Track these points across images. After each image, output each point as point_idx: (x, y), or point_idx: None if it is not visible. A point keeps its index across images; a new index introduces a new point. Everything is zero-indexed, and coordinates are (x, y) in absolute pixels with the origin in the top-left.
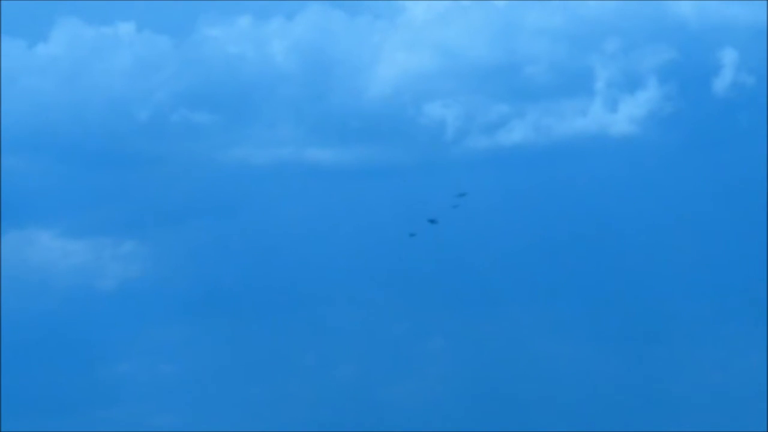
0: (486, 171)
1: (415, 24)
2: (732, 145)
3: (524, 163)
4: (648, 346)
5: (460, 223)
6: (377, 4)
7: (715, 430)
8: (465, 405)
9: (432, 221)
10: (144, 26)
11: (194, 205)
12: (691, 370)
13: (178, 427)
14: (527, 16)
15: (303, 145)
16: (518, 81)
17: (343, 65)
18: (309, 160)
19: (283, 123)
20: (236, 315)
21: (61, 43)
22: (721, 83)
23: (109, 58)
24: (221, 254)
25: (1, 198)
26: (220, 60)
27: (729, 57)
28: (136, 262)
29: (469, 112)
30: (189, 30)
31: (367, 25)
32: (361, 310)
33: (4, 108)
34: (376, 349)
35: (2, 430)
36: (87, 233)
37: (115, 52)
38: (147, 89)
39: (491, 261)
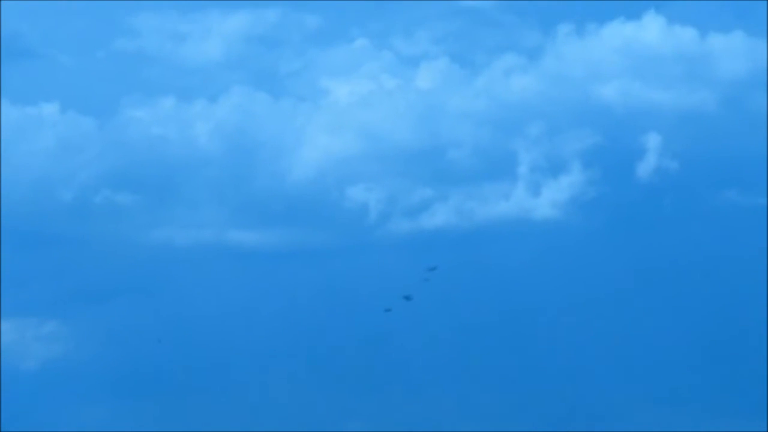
0: (408, 254)
1: (338, 107)
2: (655, 229)
3: (446, 246)
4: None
5: (383, 303)
6: (301, 86)
7: None
8: None
9: (407, 297)
10: (68, 107)
11: (116, 286)
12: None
13: None
14: (450, 99)
15: (225, 227)
16: (441, 165)
17: (266, 147)
18: (231, 242)
19: (206, 205)
20: (159, 394)
21: None
22: (645, 168)
23: (32, 139)
24: (143, 334)
25: None
26: (143, 141)
27: (653, 142)
28: (59, 342)
29: (392, 195)
30: (113, 111)
31: (290, 107)
32: (281, 391)
33: None
34: (297, 427)
35: None
36: (10, 314)
37: (38, 132)
38: (70, 170)
39: (411, 345)
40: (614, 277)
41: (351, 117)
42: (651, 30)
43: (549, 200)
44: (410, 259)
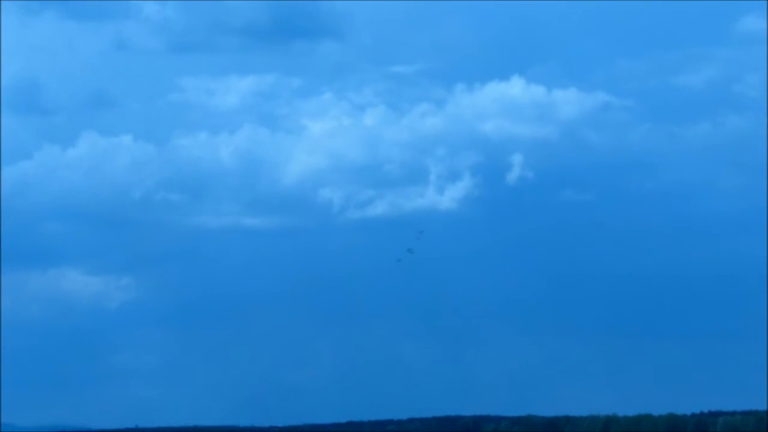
0: (359, 234)
1: (313, 137)
2: (518, 216)
3: (384, 229)
4: (461, 349)
5: (343, 266)
6: (289, 124)
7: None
8: (341, 383)
9: (409, 251)
10: (138, 137)
11: (168, 254)
12: (490, 358)
13: (154, 397)
14: (385, 133)
15: (240, 216)
16: (380, 175)
17: (266, 164)
18: (244, 226)
19: (227, 201)
20: (197, 326)
21: (84, 148)
22: (512, 176)
23: (115, 158)
24: (188, 286)
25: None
26: (186, 160)
27: (517, 159)
28: (131, 291)
29: (348, 194)
30: (167, 140)
31: (282, 137)
32: (279, 323)
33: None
34: (284, 346)
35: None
36: (99, 272)
37: (119, 154)
38: (139, 178)
39: (362, 289)
40: (491, 245)
41: (322, 144)
42: (515, 87)
43: (449, 197)
44: (361, 236)
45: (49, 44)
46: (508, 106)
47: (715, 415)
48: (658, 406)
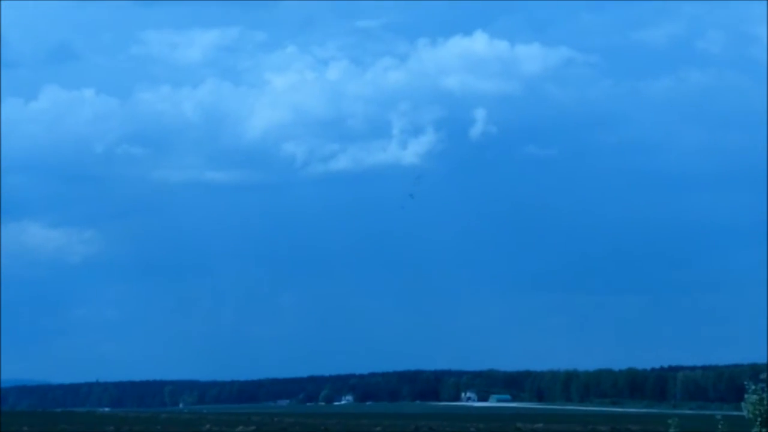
0: (321, 188)
1: (276, 92)
2: (481, 172)
3: (346, 182)
4: (423, 304)
5: (306, 220)
6: (252, 77)
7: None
8: (303, 338)
9: (411, 196)
10: (100, 91)
11: (131, 207)
12: (452, 314)
13: (116, 351)
14: (349, 86)
15: (203, 170)
16: (343, 129)
17: (229, 118)
18: (207, 180)
19: (190, 155)
20: (159, 277)
21: (46, 101)
22: (475, 131)
23: (77, 112)
24: (150, 240)
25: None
26: (149, 114)
27: (480, 114)
28: (93, 244)
29: (311, 149)
30: (129, 94)
31: (245, 92)
32: (240, 273)
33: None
34: (246, 301)
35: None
36: (62, 225)
37: (81, 107)
38: (102, 131)
39: (325, 245)
40: (454, 200)
41: (285, 98)
42: (479, 42)
43: (413, 152)
44: (323, 189)
45: None
46: (471, 61)
47: (674, 370)
48: (619, 362)
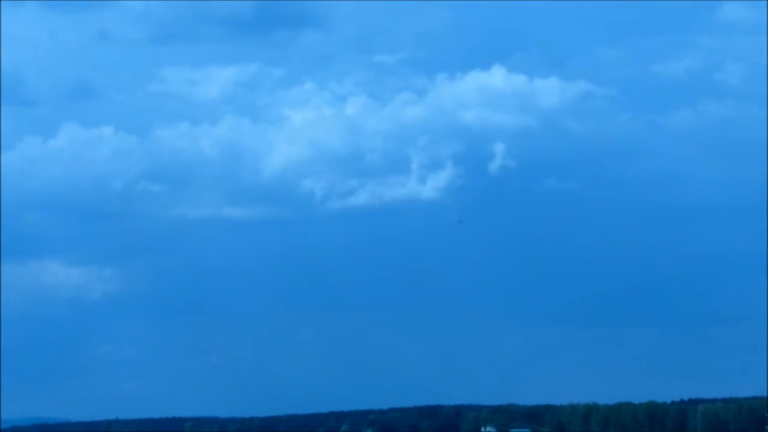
0: (341, 223)
1: (295, 128)
2: (501, 207)
3: (365, 218)
4: (443, 338)
5: (325, 256)
6: (270, 115)
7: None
8: (323, 374)
9: (460, 221)
10: (119, 129)
11: (150, 244)
12: (472, 348)
13: (135, 389)
14: (367, 123)
15: (222, 206)
16: (361, 164)
17: (248, 154)
18: (226, 216)
19: (209, 191)
20: (179, 314)
21: (65, 139)
22: (494, 166)
23: (96, 149)
24: (170, 277)
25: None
26: (167, 151)
27: (499, 149)
28: (113, 282)
29: (330, 184)
30: (148, 131)
31: (264, 128)
32: (260, 311)
33: (29, 180)
34: (266, 337)
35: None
36: (80, 263)
37: (100, 145)
38: (121, 169)
39: (344, 280)
40: (473, 234)
41: (303, 134)
42: (497, 77)
43: (432, 187)
44: (342, 225)
45: (31, 35)
46: (489, 96)
47: (695, 402)
48: (638, 395)
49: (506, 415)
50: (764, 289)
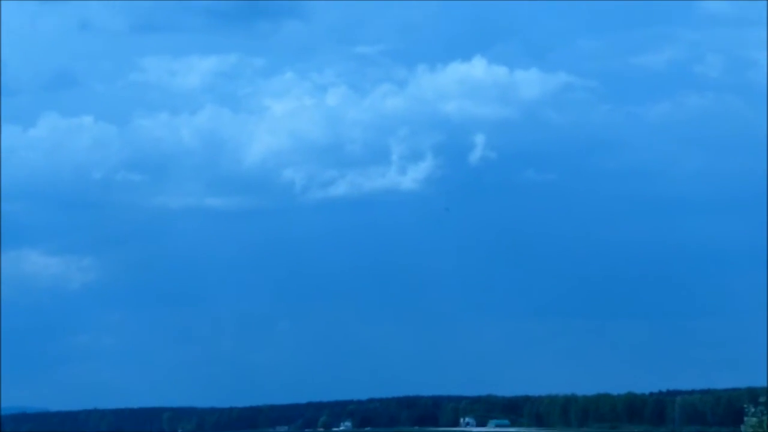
0: (320, 214)
1: (275, 118)
2: (480, 197)
3: (345, 208)
4: (422, 329)
5: (305, 246)
6: (251, 104)
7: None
8: (302, 364)
9: (447, 209)
10: (99, 118)
11: (130, 234)
12: (451, 339)
13: (114, 378)
14: (347, 113)
15: (202, 196)
16: (341, 155)
17: (228, 144)
18: (206, 206)
19: (189, 181)
20: (158, 303)
21: (45, 128)
22: (474, 156)
23: (77, 138)
24: (149, 267)
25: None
26: (147, 140)
27: (479, 140)
28: (92, 271)
29: (310, 174)
30: (128, 121)
31: (244, 118)
32: (240, 299)
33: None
34: (245, 327)
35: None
36: (60, 252)
37: (80, 134)
38: (101, 158)
39: (324, 271)
40: (453, 225)
41: (284, 124)
42: (477, 68)
43: (411, 178)
44: (322, 215)
45: (12, 24)
46: (470, 87)
47: (673, 394)
48: (617, 386)
49: (485, 405)
50: (743, 282)
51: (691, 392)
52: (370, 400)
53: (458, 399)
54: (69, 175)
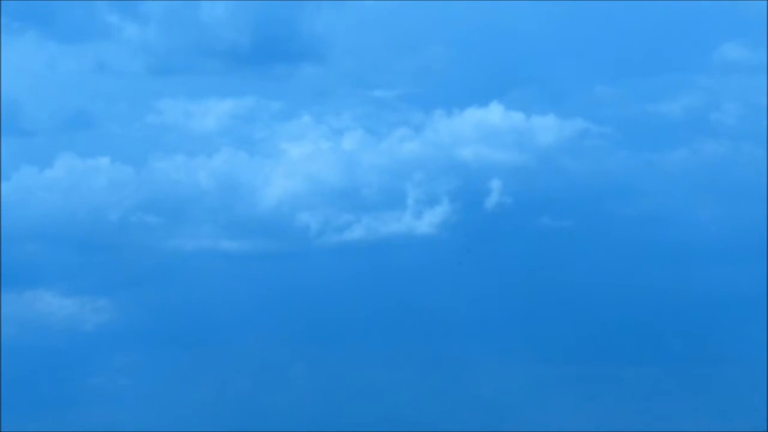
0: (336, 259)
1: (291, 161)
2: (497, 244)
3: (361, 253)
4: (442, 374)
5: (321, 290)
6: (267, 148)
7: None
8: (316, 407)
9: (468, 250)
10: (115, 159)
11: (145, 276)
12: (466, 384)
13: (129, 420)
14: (363, 157)
15: (217, 239)
16: (357, 199)
17: (244, 188)
18: (221, 249)
19: (204, 224)
20: (173, 349)
21: (61, 169)
22: (490, 202)
23: (93, 180)
24: (164, 309)
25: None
26: (163, 182)
27: (495, 185)
28: (106, 313)
29: (326, 219)
30: (144, 163)
31: (260, 161)
32: (254, 347)
33: (24, 210)
34: (261, 369)
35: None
36: (74, 294)
37: (96, 176)
38: (116, 200)
39: (339, 315)
40: (469, 270)
41: (299, 168)
42: (494, 113)
43: (427, 222)
44: (338, 260)
45: (30, 65)
46: (486, 132)
47: None
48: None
49: None
50: (762, 329)
51: None
52: None
53: None
54: (85, 216)
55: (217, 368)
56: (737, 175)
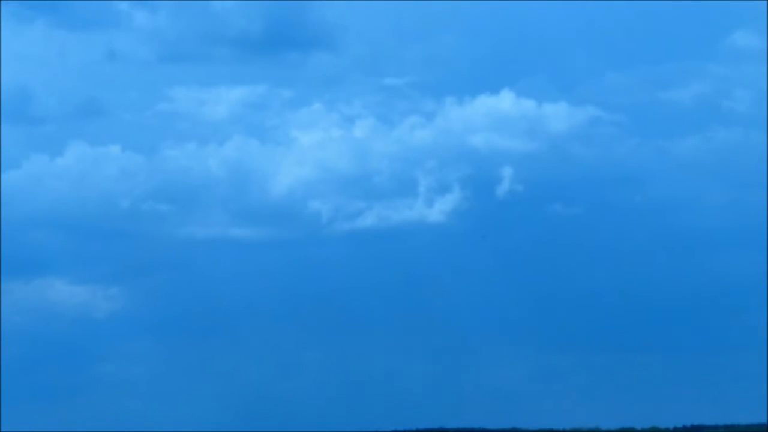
0: (347, 246)
1: (302, 149)
2: (507, 229)
3: (372, 240)
4: (450, 362)
5: (332, 278)
6: (279, 135)
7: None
8: (328, 394)
9: (483, 236)
10: (126, 147)
11: (156, 264)
12: (475, 372)
13: (140, 407)
14: (375, 145)
15: (228, 227)
16: (369, 186)
17: (255, 175)
18: (232, 236)
19: (216, 211)
20: (184, 337)
21: (72, 157)
22: (501, 189)
23: (104, 168)
24: (176, 297)
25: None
26: (175, 170)
27: (507, 172)
28: (118, 301)
29: (337, 206)
30: (155, 151)
31: (271, 149)
32: (265, 331)
33: (35, 198)
34: (272, 357)
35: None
36: (86, 281)
37: (107, 164)
38: (128, 188)
39: (350, 302)
40: (479, 258)
41: (311, 156)
42: (505, 100)
43: (438, 210)
44: (349, 248)
45: (40, 53)
46: (498, 120)
47: (698, 428)
48: (641, 420)
49: None
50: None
51: (715, 427)
52: (395, 431)
53: (482, 431)
54: (96, 204)
55: (228, 355)
56: (749, 162)
